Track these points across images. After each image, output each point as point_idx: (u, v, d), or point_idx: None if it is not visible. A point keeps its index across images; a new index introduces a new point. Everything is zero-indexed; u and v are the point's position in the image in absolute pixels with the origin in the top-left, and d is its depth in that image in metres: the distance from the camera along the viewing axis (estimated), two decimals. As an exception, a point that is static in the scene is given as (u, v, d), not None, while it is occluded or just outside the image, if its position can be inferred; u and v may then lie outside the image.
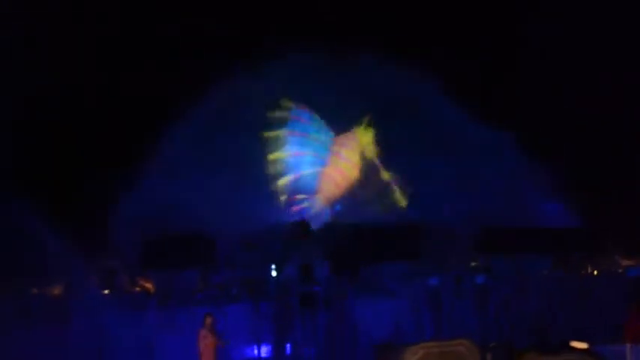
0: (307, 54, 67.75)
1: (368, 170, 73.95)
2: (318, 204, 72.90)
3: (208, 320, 25.85)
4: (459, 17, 70.10)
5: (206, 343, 23.88)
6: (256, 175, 72.35)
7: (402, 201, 71.39)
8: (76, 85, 66.85)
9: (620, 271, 57.60)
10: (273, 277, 57.91)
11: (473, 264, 61.45)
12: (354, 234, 58.89)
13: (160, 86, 66.60)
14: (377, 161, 73.51)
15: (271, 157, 73.87)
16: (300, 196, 73.53)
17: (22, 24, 62.49)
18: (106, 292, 55.10)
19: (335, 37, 68.07)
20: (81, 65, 66.82)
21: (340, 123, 74.56)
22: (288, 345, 48.96)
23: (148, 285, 58.38)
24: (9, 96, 60.51)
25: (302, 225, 59.20)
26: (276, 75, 70.96)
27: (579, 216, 61.82)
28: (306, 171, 74.25)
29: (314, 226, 59.94)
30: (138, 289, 58.09)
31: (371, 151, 73.83)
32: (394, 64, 68.32)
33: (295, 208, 72.14)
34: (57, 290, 56.33)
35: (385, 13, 70.71)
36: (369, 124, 73.53)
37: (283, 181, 73.62)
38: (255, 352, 48.45)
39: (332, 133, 74.74)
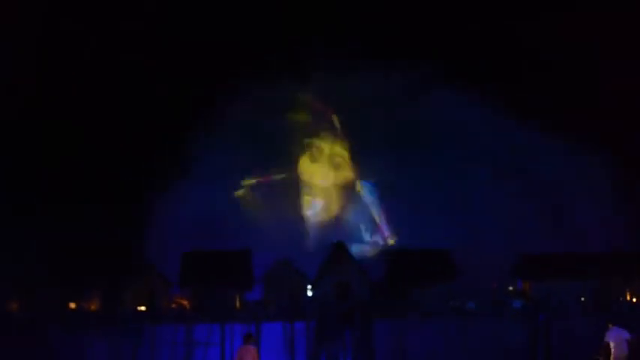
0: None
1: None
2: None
3: (249, 339, 25.89)
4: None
5: (242, 359, 24.05)
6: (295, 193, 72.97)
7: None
8: (112, 96, 67.50)
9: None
10: (309, 297, 58.00)
11: (510, 288, 61.26)
12: (393, 257, 58.96)
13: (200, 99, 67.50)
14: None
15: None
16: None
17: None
18: (143, 308, 55.23)
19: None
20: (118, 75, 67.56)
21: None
22: (323, 360, 48.80)
23: (184, 302, 58.48)
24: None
25: (339, 246, 59.19)
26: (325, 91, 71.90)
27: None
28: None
29: (352, 248, 59.91)
30: (174, 305, 58.16)
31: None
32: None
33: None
34: (94, 305, 56.67)
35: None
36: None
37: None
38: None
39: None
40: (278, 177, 73.12)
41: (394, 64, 68.45)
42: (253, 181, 70.82)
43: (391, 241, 73.05)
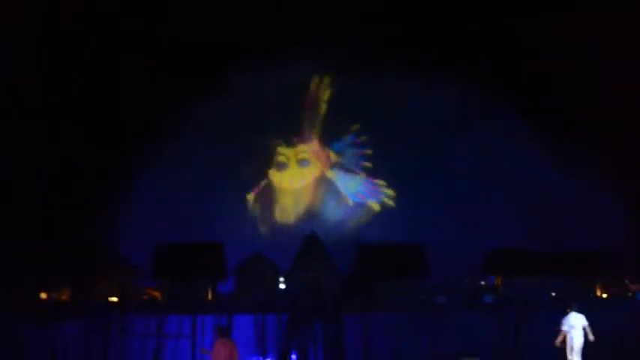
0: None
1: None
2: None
3: (223, 332, 25.77)
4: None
5: (219, 353, 23.78)
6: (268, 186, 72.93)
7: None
8: (82, 92, 67.09)
9: (629, 294, 57.45)
10: (282, 290, 57.95)
11: (482, 283, 61.48)
12: (364, 251, 58.93)
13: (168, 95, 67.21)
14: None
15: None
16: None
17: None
18: (115, 299, 55.05)
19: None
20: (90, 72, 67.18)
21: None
22: (293, 356, 48.83)
23: (156, 293, 58.36)
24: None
25: (312, 238, 59.09)
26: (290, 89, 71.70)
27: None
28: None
29: (324, 240, 59.67)
30: (146, 296, 58.04)
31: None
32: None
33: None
34: (64, 295, 56.44)
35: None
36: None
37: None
38: (261, 362, 48.41)
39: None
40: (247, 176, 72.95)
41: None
42: None
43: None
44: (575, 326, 32.06)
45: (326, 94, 75.05)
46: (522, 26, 67.49)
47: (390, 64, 67.64)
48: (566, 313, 32.47)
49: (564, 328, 32.06)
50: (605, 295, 58.08)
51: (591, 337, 31.80)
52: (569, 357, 32.07)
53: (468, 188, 69.45)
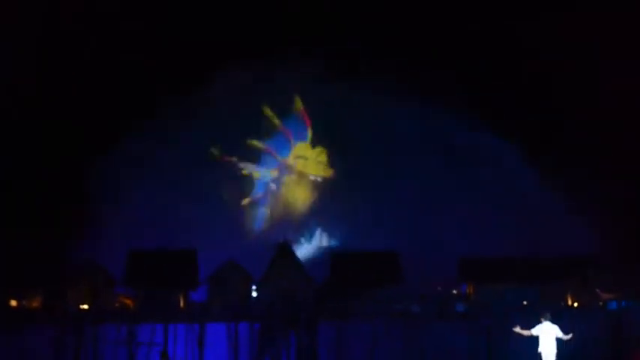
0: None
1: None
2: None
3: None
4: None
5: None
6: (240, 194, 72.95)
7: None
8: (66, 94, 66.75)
9: (600, 304, 57.72)
10: (254, 298, 57.86)
11: (454, 292, 61.64)
12: (338, 258, 58.92)
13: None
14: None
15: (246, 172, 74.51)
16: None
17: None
18: (86, 306, 54.75)
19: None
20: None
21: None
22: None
23: (128, 301, 58.07)
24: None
25: (284, 247, 59.05)
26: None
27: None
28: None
29: (296, 248, 59.78)
30: (117, 304, 57.73)
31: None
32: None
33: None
34: (36, 302, 56.08)
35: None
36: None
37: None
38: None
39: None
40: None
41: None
42: None
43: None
44: (548, 336, 32.11)
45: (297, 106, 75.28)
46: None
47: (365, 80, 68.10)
48: (539, 322, 32.55)
49: (534, 333, 32.13)
50: (576, 304, 58.34)
51: (566, 337, 31.89)
52: None
53: (440, 196, 69.61)
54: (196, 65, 68.87)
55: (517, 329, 32.60)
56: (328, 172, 74.99)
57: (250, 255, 61.15)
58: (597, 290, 58.83)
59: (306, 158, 75.86)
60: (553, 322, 32.79)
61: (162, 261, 55.89)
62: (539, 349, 32.61)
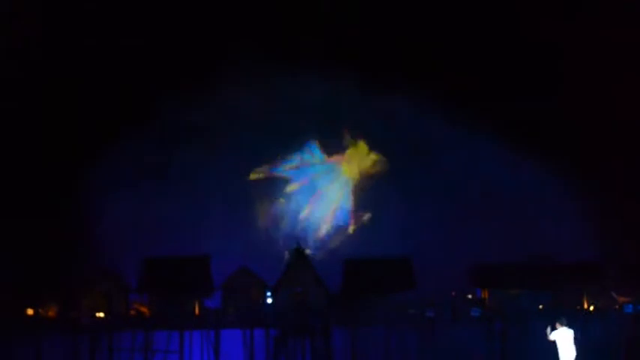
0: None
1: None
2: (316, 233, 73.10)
3: None
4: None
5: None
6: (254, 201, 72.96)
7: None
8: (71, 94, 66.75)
9: (616, 307, 57.64)
10: (269, 304, 57.87)
11: (469, 297, 61.56)
12: (351, 265, 58.93)
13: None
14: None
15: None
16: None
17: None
18: (102, 314, 54.85)
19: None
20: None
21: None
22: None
23: (143, 308, 58.17)
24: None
25: (299, 253, 59.07)
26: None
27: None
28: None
29: (311, 254, 59.79)
30: (133, 312, 57.82)
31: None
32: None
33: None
34: (51, 312, 56.23)
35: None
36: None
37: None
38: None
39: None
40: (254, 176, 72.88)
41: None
42: None
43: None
44: (565, 341, 32.05)
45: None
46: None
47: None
48: (554, 328, 32.49)
49: (551, 338, 32.10)
50: (592, 308, 58.23)
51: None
52: None
53: (453, 202, 69.50)
54: (224, 71, 68.64)
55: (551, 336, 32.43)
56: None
57: (264, 261, 61.13)
58: (613, 293, 58.75)
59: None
60: (569, 327, 32.76)
61: (176, 268, 55.88)
62: (560, 355, 32.49)
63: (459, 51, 69.05)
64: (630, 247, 61.62)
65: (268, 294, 58.29)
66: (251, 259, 61.90)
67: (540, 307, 57.31)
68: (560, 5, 66.85)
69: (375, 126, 72.20)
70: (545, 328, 32.10)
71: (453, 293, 61.10)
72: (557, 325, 32.56)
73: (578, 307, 57.65)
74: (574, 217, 66.45)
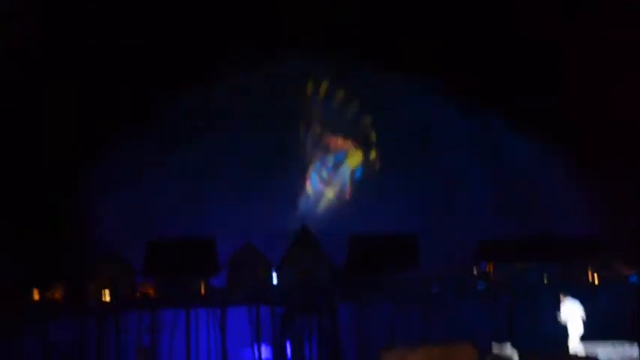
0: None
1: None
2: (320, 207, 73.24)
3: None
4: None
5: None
6: (260, 179, 72.90)
7: None
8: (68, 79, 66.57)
9: (621, 278, 57.72)
10: (275, 282, 57.95)
11: (474, 272, 61.62)
12: (356, 241, 58.92)
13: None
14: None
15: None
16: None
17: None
18: (107, 296, 54.91)
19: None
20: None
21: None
22: (288, 347, 49.00)
23: (149, 290, 58.23)
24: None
25: (304, 232, 59.02)
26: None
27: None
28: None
29: (316, 232, 59.59)
30: (138, 294, 57.89)
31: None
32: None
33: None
34: (57, 294, 56.32)
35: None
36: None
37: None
38: (256, 354, 48.46)
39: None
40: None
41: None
42: None
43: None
44: (572, 314, 32.19)
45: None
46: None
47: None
48: (560, 300, 32.60)
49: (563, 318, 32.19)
50: (597, 280, 58.31)
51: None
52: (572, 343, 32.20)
53: (456, 176, 69.60)
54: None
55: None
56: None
57: (269, 242, 61.08)
58: (617, 265, 58.82)
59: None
60: (575, 299, 32.82)
61: (181, 250, 55.86)
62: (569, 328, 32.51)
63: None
64: (634, 218, 61.82)
65: (274, 272, 58.35)
66: (256, 237, 61.98)
67: (546, 280, 57.33)
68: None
69: (378, 112, 72.50)
70: (551, 301, 32.27)
71: (458, 268, 61.25)
72: (562, 297, 32.65)
73: (584, 280, 57.74)
74: (577, 192, 66.57)
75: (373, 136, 74.82)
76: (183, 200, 66.37)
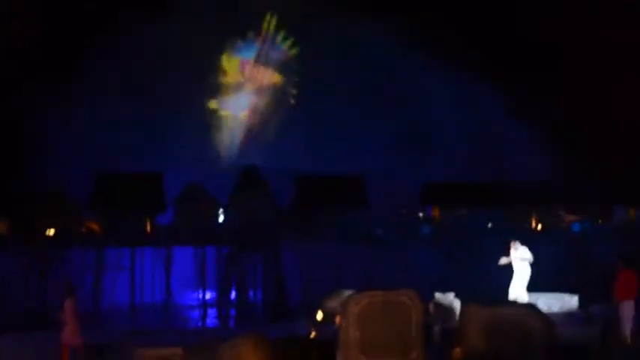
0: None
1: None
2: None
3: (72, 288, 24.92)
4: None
5: (74, 311, 23.09)
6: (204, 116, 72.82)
7: None
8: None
9: (564, 225, 58.59)
10: (220, 222, 57.91)
11: (419, 215, 62.14)
12: (304, 182, 58.94)
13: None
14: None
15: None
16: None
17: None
18: (52, 231, 54.50)
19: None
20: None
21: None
22: (233, 290, 49.09)
23: (95, 226, 57.89)
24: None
25: (251, 171, 58.87)
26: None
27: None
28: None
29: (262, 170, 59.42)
30: (84, 229, 57.52)
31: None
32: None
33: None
34: (1, 227, 55.82)
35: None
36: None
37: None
38: (200, 296, 48.49)
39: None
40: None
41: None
42: None
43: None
44: (519, 261, 32.42)
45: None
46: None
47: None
48: (509, 245, 32.83)
49: (503, 262, 32.44)
50: (540, 227, 59.09)
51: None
52: (514, 290, 32.47)
53: (405, 119, 69.71)
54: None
55: (503, 261, 32.71)
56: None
57: (216, 179, 60.86)
58: (561, 212, 59.63)
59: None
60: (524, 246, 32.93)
61: (128, 184, 55.18)
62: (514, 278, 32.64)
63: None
64: (578, 166, 62.53)
65: (220, 211, 58.25)
66: (204, 176, 61.70)
67: (490, 225, 57.98)
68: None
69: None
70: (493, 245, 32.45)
71: (404, 212, 61.67)
72: (512, 243, 32.78)
73: (527, 226, 58.50)
74: (525, 138, 67.07)
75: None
76: (132, 134, 65.70)
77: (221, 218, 58.09)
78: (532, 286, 32.85)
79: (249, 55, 76.39)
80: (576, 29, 64.32)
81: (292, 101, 76.02)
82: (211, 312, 47.08)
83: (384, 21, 67.65)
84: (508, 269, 32.54)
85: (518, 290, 32.32)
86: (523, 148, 66.45)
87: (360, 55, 71.17)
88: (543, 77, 66.61)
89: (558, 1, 66.40)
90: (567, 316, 33.28)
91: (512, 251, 32.58)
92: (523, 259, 32.22)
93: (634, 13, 61.87)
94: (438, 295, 33.04)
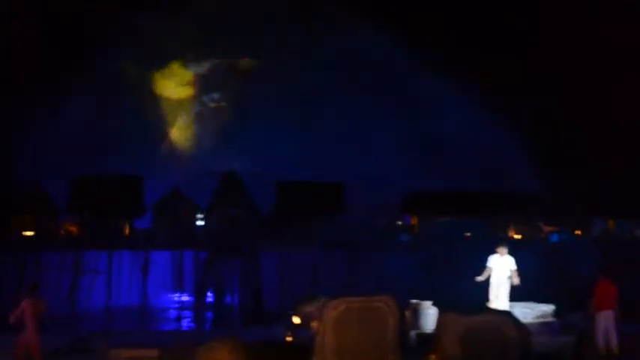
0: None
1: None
2: None
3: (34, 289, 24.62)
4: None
5: (32, 312, 22.82)
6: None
7: None
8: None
9: (542, 236, 58.71)
10: (200, 226, 57.86)
11: (398, 223, 62.19)
12: (284, 188, 59.00)
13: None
14: None
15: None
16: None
17: None
18: (30, 233, 54.26)
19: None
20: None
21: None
22: (209, 293, 49.03)
23: (73, 228, 57.72)
24: None
25: (231, 175, 58.87)
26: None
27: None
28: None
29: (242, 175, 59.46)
30: (62, 231, 57.35)
31: None
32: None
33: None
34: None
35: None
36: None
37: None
38: (177, 299, 48.44)
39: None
40: None
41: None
42: None
43: None
44: (502, 271, 32.16)
45: None
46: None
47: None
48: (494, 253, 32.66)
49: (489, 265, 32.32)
50: (518, 237, 59.18)
51: (516, 281, 32.03)
52: (492, 300, 32.26)
53: (385, 132, 69.69)
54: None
55: (479, 279, 32.40)
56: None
57: (195, 183, 60.79)
58: (539, 224, 59.73)
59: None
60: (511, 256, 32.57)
61: (106, 187, 55.11)
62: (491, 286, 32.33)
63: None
64: (558, 178, 62.59)
65: (199, 216, 58.17)
66: (184, 181, 61.62)
67: (468, 234, 58.07)
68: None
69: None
70: (472, 255, 32.26)
71: (384, 220, 61.73)
72: (497, 250, 32.37)
73: (505, 236, 58.50)
74: (507, 149, 67.14)
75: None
76: (114, 138, 65.55)
77: (201, 223, 58.03)
78: (510, 296, 32.83)
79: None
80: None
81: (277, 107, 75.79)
82: (188, 315, 46.95)
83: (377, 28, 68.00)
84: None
85: (502, 299, 32.13)
86: (512, 159, 66.48)
87: (350, 65, 71.08)
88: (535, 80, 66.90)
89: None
90: (543, 325, 33.22)
91: (496, 257, 32.40)
92: (504, 268, 32.04)
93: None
94: (414, 302, 33.01)
